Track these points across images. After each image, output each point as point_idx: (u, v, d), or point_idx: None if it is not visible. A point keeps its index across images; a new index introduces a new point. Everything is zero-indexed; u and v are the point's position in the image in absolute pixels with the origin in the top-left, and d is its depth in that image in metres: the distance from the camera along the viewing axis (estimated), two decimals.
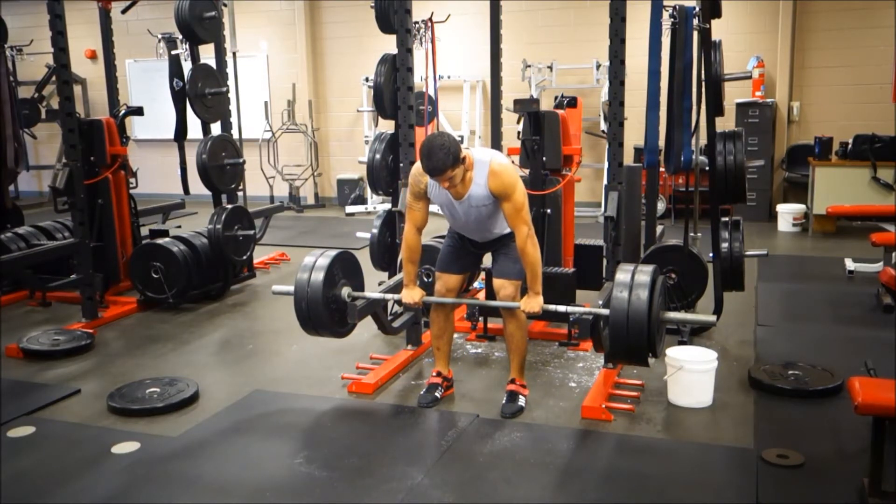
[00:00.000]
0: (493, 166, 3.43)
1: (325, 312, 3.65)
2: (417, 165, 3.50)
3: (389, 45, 4.68)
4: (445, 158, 3.27)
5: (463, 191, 3.46)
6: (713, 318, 3.46)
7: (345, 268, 3.81)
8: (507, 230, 3.65)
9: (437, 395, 3.87)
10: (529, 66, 9.49)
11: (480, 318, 4.76)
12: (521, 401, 3.76)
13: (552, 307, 3.53)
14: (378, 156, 5.04)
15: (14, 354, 4.68)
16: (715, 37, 4.64)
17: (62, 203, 5.64)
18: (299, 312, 3.69)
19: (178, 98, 6.02)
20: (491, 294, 4.08)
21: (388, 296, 4.01)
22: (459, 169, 3.34)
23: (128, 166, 6.07)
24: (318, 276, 3.63)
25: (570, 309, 3.54)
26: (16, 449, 3.45)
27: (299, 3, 10.74)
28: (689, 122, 4.78)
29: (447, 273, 3.81)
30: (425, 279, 4.68)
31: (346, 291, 3.76)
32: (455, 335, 4.82)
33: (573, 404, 3.80)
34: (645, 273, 3.26)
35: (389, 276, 5.02)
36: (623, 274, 3.29)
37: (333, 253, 3.73)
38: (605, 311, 3.28)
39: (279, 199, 9.70)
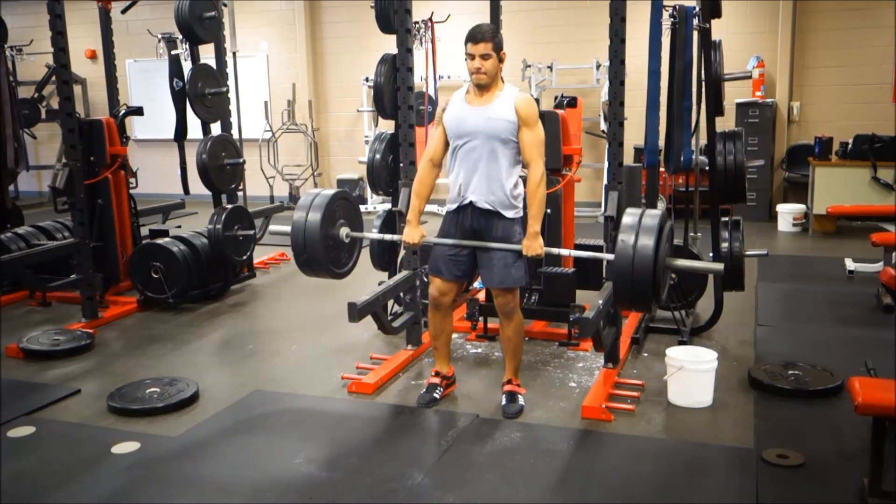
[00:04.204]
0: (521, 95, 3.51)
1: (321, 250, 3.62)
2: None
3: (389, 45, 4.68)
4: (493, 31, 3.44)
5: (486, 91, 3.49)
6: (720, 265, 3.47)
7: (344, 208, 3.78)
8: (510, 206, 3.54)
9: (436, 395, 3.85)
10: (529, 66, 9.49)
11: (480, 318, 4.76)
12: (521, 400, 3.76)
13: (555, 250, 3.66)
14: (378, 156, 5.04)
15: (14, 354, 4.68)
16: (715, 37, 4.64)
17: (62, 203, 5.64)
18: (296, 249, 3.67)
19: (178, 98, 6.02)
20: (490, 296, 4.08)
21: (388, 236, 4.12)
22: (494, 57, 3.43)
23: (128, 166, 6.07)
24: (316, 215, 3.59)
25: (574, 252, 3.62)
26: (16, 449, 3.45)
27: (299, 3, 10.74)
28: (689, 122, 4.79)
29: (439, 278, 3.71)
30: (425, 279, 4.67)
31: (344, 232, 3.72)
32: (455, 335, 4.83)
33: (573, 404, 3.79)
34: (652, 217, 3.19)
35: (389, 276, 5.02)
36: (630, 217, 3.21)
37: (332, 192, 3.72)
38: (610, 257, 3.27)
39: (279, 199, 9.69)
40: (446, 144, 3.61)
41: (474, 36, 3.42)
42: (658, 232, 3.11)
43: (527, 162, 3.49)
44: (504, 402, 3.75)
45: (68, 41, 5.05)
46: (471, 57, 3.44)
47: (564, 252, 3.57)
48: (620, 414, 3.67)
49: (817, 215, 7.98)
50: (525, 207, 3.57)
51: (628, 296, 3.20)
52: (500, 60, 3.46)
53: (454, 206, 3.63)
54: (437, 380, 3.90)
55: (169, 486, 3.11)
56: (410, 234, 3.67)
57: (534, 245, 3.47)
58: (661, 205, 8.55)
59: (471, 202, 3.56)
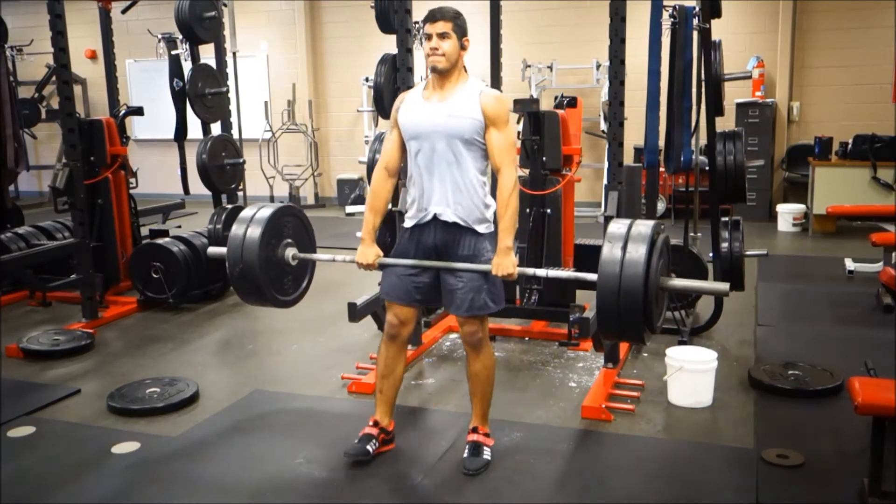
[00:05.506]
0: (488, 90, 3.08)
1: (261, 271, 3.13)
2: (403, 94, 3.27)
3: (389, 45, 4.68)
4: (454, 13, 3.03)
5: (446, 82, 3.08)
6: (726, 285, 3.04)
7: (293, 226, 3.36)
8: (482, 219, 3.05)
9: (370, 448, 3.20)
10: (529, 66, 9.50)
11: None
12: (487, 453, 3.18)
13: (529, 271, 3.07)
14: (378, 156, 5.04)
15: (14, 354, 4.68)
16: (715, 37, 4.65)
17: (62, 203, 5.64)
18: (231, 270, 3.20)
19: (178, 98, 6.03)
20: None
21: (339, 257, 3.41)
22: (454, 39, 3.02)
23: (128, 166, 6.07)
24: (256, 231, 3.11)
25: (551, 272, 3.08)
26: (16, 449, 3.45)
27: (299, 3, 10.74)
28: (689, 122, 4.79)
29: (397, 304, 3.18)
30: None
31: (290, 253, 3.29)
32: (454, 335, 4.83)
33: (573, 404, 3.79)
34: (644, 226, 2.71)
35: None
36: (617, 226, 2.74)
37: (279, 206, 3.31)
38: (593, 277, 2.74)
39: (279, 199, 9.70)
40: (404, 149, 3.16)
41: (433, 15, 3.00)
42: (650, 246, 2.63)
43: (496, 167, 2.99)
44: (466, 453, 3.18)
45: (68, 41, 5.04)
46: (427, 37, 3.02)
47: (541, 272, 3.03)
48: (620, 414, 3.67)
49: (817, 215, 7.98)
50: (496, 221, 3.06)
51: (615, 324, 2.68)
52: (463, 48, 3.05)
53: (413, 222, 3.13)
54: (374, 430, 3.27)
55: (169, 486, 3.11)
56: (364, 253, 3.12)
57: (505, 263, 2.90)
58: (661, 205, 8.58)
59: (435, 215, 3.05)
